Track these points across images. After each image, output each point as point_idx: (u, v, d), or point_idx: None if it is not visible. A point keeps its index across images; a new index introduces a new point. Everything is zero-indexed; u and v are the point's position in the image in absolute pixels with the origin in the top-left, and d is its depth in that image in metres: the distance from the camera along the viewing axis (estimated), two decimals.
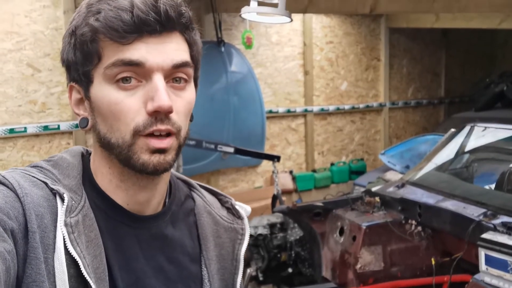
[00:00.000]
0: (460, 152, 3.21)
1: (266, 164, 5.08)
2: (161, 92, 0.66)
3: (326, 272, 2.92)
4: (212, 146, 3.78)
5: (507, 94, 4.94)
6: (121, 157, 0.69)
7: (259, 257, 3.55)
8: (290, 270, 3.31)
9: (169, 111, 0.67)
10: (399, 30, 5.97)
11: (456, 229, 2.37)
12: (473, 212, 2.32)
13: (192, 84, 0.74)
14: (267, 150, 4.98)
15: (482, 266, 1.91)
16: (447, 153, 3.19)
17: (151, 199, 0.75)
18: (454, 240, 2.46)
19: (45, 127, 3.84)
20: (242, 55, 4.70)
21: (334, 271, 2.84)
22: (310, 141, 5.45)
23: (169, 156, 0.70)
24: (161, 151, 0.69)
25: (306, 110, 5.36)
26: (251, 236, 3.50)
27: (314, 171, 5.46)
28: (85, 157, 0.78)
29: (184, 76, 0.71)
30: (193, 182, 0.88)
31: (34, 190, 0.67)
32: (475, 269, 2.17)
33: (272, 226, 3.56)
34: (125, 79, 0.67)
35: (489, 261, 1.88)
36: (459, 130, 3.25)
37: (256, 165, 5.06)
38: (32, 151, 3.84)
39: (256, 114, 4.77)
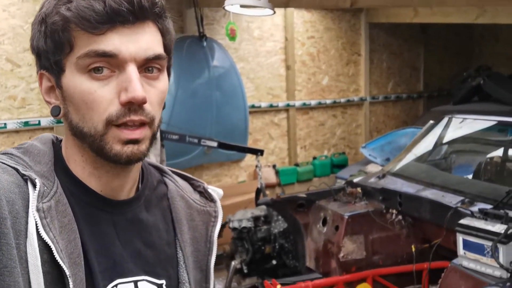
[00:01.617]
0: (438, 143, 3.29)
1: (249, 159, 5.11)
2: (135, 83, 0.67)
3: (309, 262, 2.97)
4: (196, 141, 3.78)
5: (483, 88, 5.05)
6: (94, 146, 0.70)
7: (243, 250, 3.58)
8: (274, 262, 3.34)
9: (143, 102, 0.68)
10: (379, 25, 6.05)
11: (435, 217, 2.44)
12: (451, 200, 2.39)
13: (165, 73, 0.74)
14: (250, 144, 5.00)
15: (460, 250, 1.97)
16: (426, 144, 3.27)
17: (124, 186, 0.76)
18: (434, 227, 2.53)
19: (26, 123, 3.79)
20: (224, 50, 4.71)
21: (317, 260, 2.89)
22: (292, 136, 5.49)
23: (143, 146, 0.70)
24: (134, 141, 0.69)
25: (288, 105, 5.40)
26: (235, 229, 3.52)
27: (296, 165, 5.51)
28: (56, 144, 0.77)
29: (157, 66, 0.71)
30: (165, 168, 0.89)
31: (5, 177, 0.66)
32: (453, 255, 2.23)
33: (256, 219, 3.59)
34: (98, 69, 0.67)
35: (467, 245, 1.94)
36: (437, 121, 3.33)
37: (239, 159, 5.09)
38: (12, 147, 3.79)
39: (239, 108, 4.79)
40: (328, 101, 5.78)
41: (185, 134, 3.80)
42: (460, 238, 1.97)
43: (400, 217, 2.72)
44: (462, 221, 2.00)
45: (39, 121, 3.85)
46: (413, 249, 2.51)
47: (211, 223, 0.87)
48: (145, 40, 0.69)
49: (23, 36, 3.74)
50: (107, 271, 0.72)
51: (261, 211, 3.61)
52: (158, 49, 0.71)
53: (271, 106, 5.27)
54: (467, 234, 1.94)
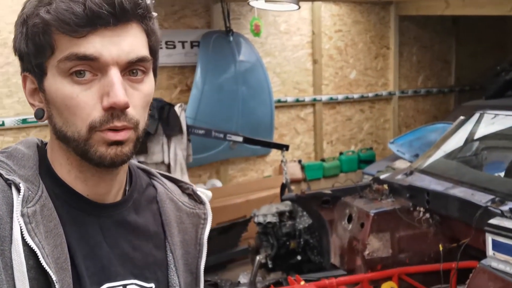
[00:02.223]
0: (469, 140, 3.20)
1: (274, 154, 5.10)
2: (116, 87, 0.65)
3: (334, 259, 2.95)
4: (221, 136, 3.80)
5: None
6: (78, 150, 0.69)
7: (268, 245, 3.59)
8: (299, 257, 3.34)
9: (125, 107, 0.66)
10: (409, 18, 5.91)
11: (463, 216, 2.38)
12: (481, 198, 2.32)
13: (150, 75, 0.72)
14: (276, 139, 4.99)
15: (489, 251, 1.92)
16: (456, 140, 3.18)
17: (110, 189, 0.75)
18: (462, 226, 2.47)
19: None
20: (250, 45, 4.70)
21: (342, 257, 2.86)
22: (319, 131, 5.45)
23: (126, 148, 0.69)
24: (118, 143, 0.68)
25: (315, 100, 5.36)
26: (260, 224, 3.53)
27: (323, 160, 5.47)
28: (40, 148, 0.76)
29: (141, 68, 0.70)
30: (153, 170, 0.88)
31: None
32: (482, 255, 2.18)
33: (281, 214, 3.59)
34: (79, 73, 0.65)
35: (496, 246, 1.89)
36: (468, 117, 3.24)
37: (265, 154, 5.09)
38: None
39: (265, 103, 4.78)
40: (356, 96, 5.71)
41: (211, 129, 3.82)
42: (489, 238, 1.92)
43: (427, 215, 2.67)
44: (492, 221, 1.94)
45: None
46: (441, 248, 2.45)
47: (200, 225, 0.87)
48: (127, 43, 0.67)
49: None
50: (96, 275, 0.71)
51: (286, 206, 3.61)
52: (142, 51, 0.69)
53: (297, 100, 5.24)
54: (497, 234, 1.88)
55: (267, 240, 3.59)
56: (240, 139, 3.85)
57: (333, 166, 5.47)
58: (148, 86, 0.71)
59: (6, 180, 0.67)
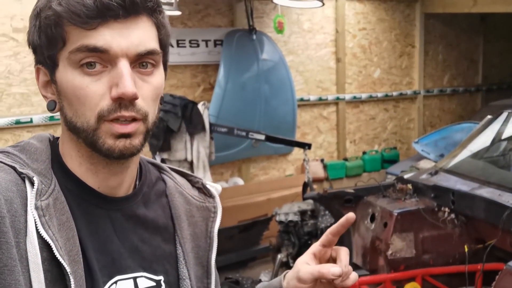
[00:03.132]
0: (496, 139, 3.13)
1: (297, 152, 5.09)
2: (125, 78, 0.66)
3: (356, 259, 2.93)
4: (243, 134, 3.81)
5: None
6: (88, 141, 0.69)
7: (289, 243, 3.58)
8: None
9: (133, 98, 0.67)
10: (435, 16, 5.82)
11: (490, 216, 2.33)
12: (509, 199, 2.27)
13: (160, 68, 0.73)
14: (298, 138, 4.98)
15: None
16: (483, 140, 3.12)
17: (122, 183, 0.76)
18: (488, 227, 2.42)
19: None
20: (273, 43, 4.70)
21: (365, 257, 2.84)
22: (341, 130, 5.41)
23: (136, 141, 0.70)
24: (127, 135, 0.68)
25: (338, 98, 5.32)
26: (282, 222, 3.53)
27: (345, 159, 5.43)
28: (52, 142, 0.77)
29: (151, 61, 0.70)
30: (163, 164, 0.89)
31: (2, 175, 0.66)
32: (508, 257, 2.13)
33: (302, 213, 3.58)
34: (90, 64, 0.67)
35: None
36: (495, 117, 3.17)
37: (287, 153, 5.08)
38: None
39: (287, 102, 4.77)
40: (380, 95, 5.64)
41: (233, 127, 3.84)
42: None
43: (452, 215, 2.62)
44: None
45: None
46: (466, 249, 2.41)
47: (210, 218, 0.87)
48: (137, 35, 0.68)
49: None
50: (106, 268, 0.72)
51: (308, 205, 3.59)
52: (151, 44, 0.70)
53: (320, 99, 5.21)
54: None
55: (289, 239, 3.58)
56: (262, 137, 3.85)
57: (356, 165, 5.42)
58: (157, 78, 0.72)
59: (20, 173, 0.68)
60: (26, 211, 0.66)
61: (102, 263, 0.72)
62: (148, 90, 0.70)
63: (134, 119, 0.69)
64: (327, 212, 3.37)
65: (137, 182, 0.81)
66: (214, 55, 4.50)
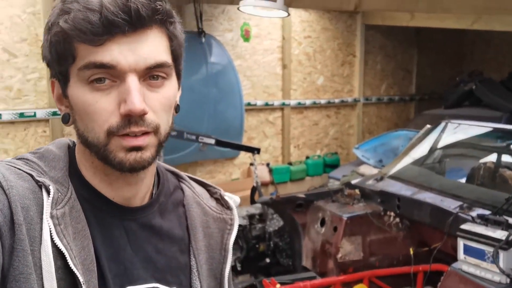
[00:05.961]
0: (434, 148, 3.33)
1: (243, 156, 5.12)
2: (132, 95, 0.65)
3: (306, 262, 3.00)
4: (193, 137, 3.78)
5: (475, 93, 5.14)
6: (99, 155, 0.69)
7: (237, 248, 3.58)
8: (268, 260, 3.36)
9: (142, 114, 0.66)
10: (375, 27, 6.10)
11: (434, 221, 2.48)
12: (450, 204, 2.43)
13: (172, 80, 0.72)
14: (244, 142, 5.01)
15: (461, 255, 2.01)
16: (423, 148, 3.31)
17: (137, 193, 0.75)
18: (431, 231, 2.57)
19: (21, 114, 3.75)
20: (222, 47, 4.70)
21: (314, 260, 2.91)
22: (286, 134, 5.52)
23: (147, 153, 0.69)
24: (138, 148, 0.68)
25: (283, 104, 5.42)
26: None
27: (290, 164, 5.53)
28: (71, 149, 0.77)
29: (162, 74, 0.69)
30: (183, 173, 0.88)
31: (20, 183, 0.66)
32: (449, 259, 2.28)
33: (251, 217, 3.60)
34: (99, 80, 0.66)
35: (467, 250, 1.98)
36: (434, 126, 3.38)
37: (233, 157, 5.09)
38: (7, 138, 3.74)
39: (235, 106, 4.79)
40: (323, 101, 5.82)
41: (183, 130, 3.79)
42: (461, 243, 2.01)
43: (397, 219, 2.76)
44: (464, 226, 2.04)
45: (35, 113, 3.81)
46: (411, 252, 2.55)
47: (226, 230, 0.86)
48: (146, 48, 0.67)
49: (20, 26, 3.69)
50: (118, 277, 0.71)
51: (256, 209, 3.62)
52: (161, 56, 0.68)
53: (266, 104, 5.28)
54: (468, 239, 1.97)
55: (236, 243, 3.58)
56: (212, 141, 3.84)
57: (300, 169, 5.55)
58: (169, 90, 0.71)
59: (37, 181, 0.68)
60: (41, 219, 0.66)
61: (114, 272, 0.71)
62: (159, 102, 0.70)
63: (145, 132, 0.68)
64: (275, 215, 3.42)
65: (154, 191, 0.80)
66: None
